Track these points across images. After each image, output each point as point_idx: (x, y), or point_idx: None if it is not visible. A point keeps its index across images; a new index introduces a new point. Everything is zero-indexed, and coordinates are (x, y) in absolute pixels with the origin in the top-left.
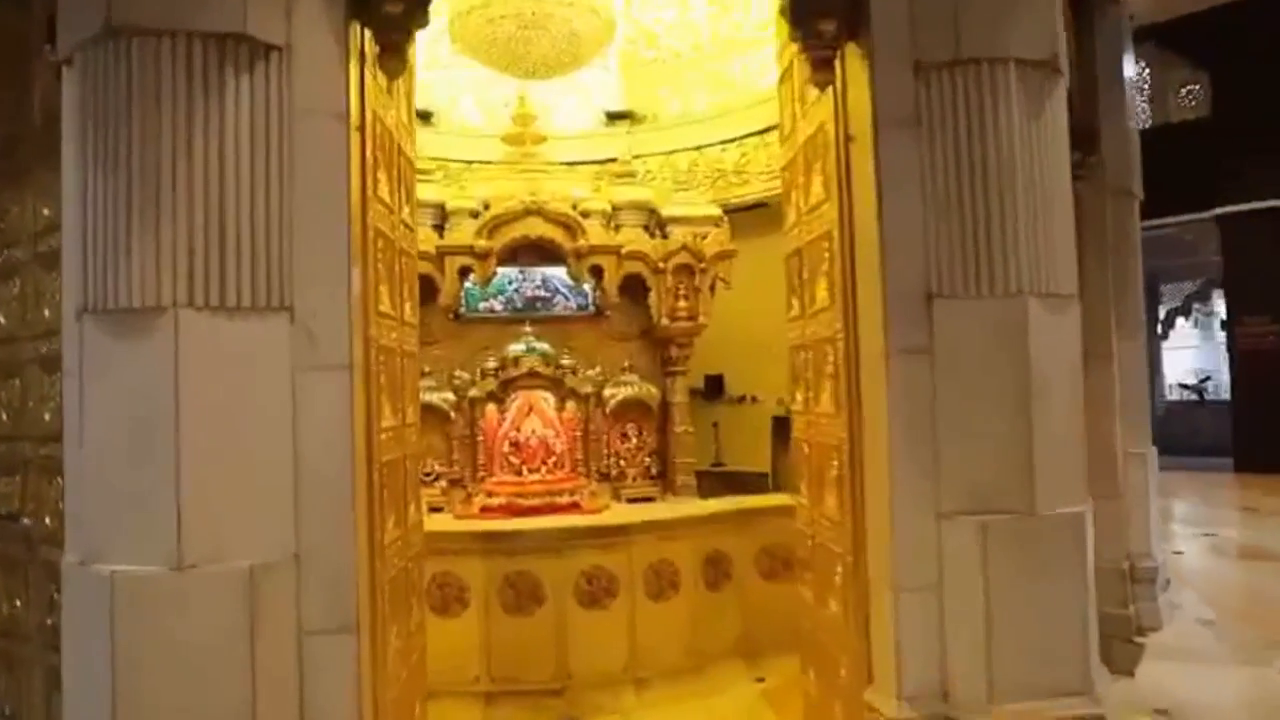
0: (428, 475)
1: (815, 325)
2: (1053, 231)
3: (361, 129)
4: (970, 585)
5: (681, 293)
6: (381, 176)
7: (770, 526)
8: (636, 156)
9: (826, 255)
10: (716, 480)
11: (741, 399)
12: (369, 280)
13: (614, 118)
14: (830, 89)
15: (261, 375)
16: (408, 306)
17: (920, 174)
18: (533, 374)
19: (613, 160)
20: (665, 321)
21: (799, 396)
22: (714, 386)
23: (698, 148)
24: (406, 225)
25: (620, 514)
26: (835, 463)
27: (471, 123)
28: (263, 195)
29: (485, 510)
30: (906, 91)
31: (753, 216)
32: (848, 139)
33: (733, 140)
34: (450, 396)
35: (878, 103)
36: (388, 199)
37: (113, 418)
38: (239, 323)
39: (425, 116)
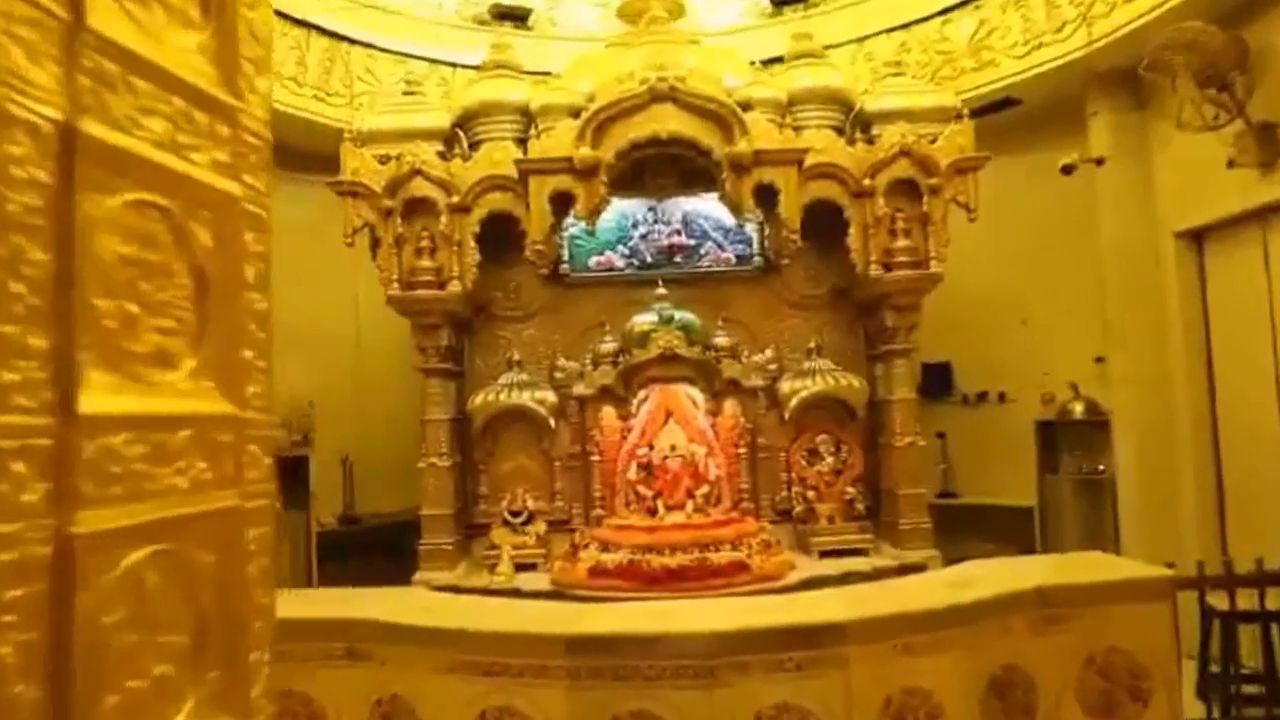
0: (516, 515)
1: None
2: None
3: None
4: None
5: (900, 224)
6: None
7: (1103, 622)
8: None
9: None
10: (949, 519)
11: (981, 397)
12: None
13: (780, 3)
14: None
15: None
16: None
17: None
18: (670, 358)
19: (780, 60)
20: (874, 270)
21: None
22: (936, 380)
23: (905, 26)
24: None
25: (824, 603)
26: None
27: (583, 25)
28: None
29: (596, 574)
30: None
31: (998, 123)
32: None
33: (963, 4)
34: (549, 397)
35: None
36: None
37: None
38: None
39: (521, 18)
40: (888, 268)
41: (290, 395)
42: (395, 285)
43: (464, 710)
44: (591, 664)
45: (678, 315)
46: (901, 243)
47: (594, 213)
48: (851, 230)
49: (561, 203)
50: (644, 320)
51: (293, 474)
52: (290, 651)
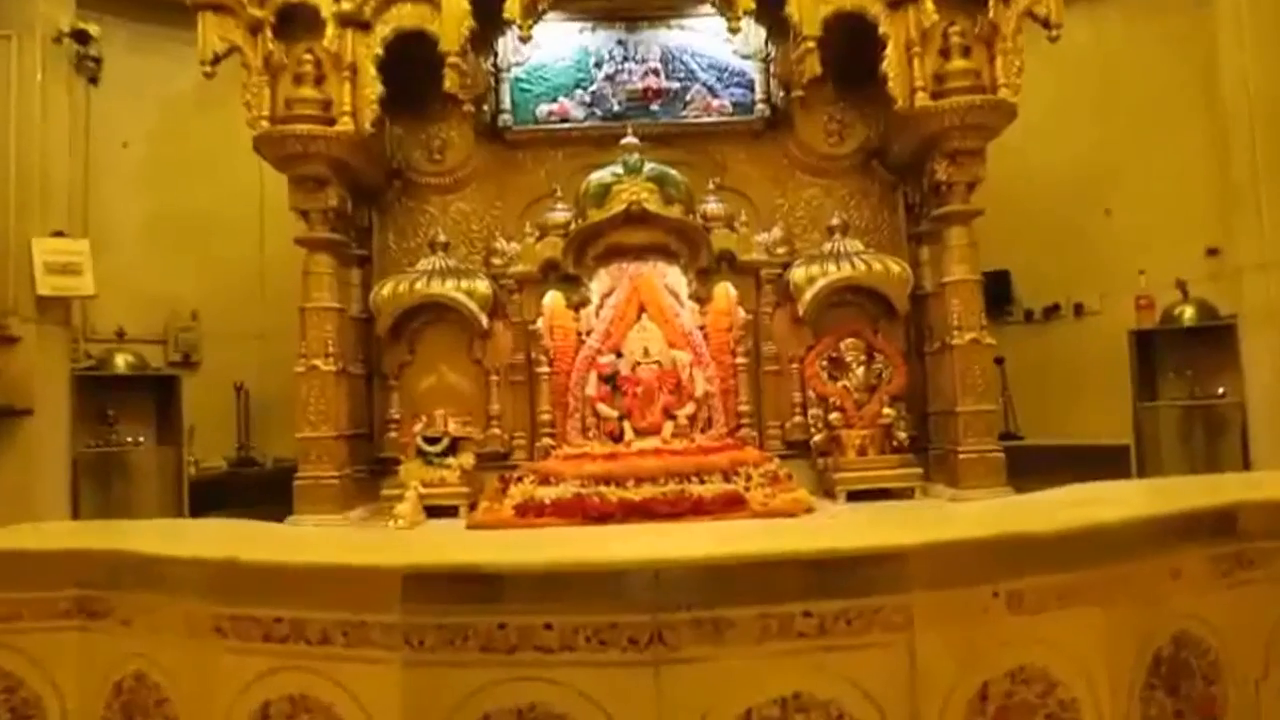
0: (432, 442)
1: None
2: None
3: None
4: None
5: (955, 39)
6: None
7: None
8: None
9: None
10: (1013, 466)
11: (1050, 312)
12: None
13: None
14: None
15: None
16: None
17: None
18: (638, 217)
19: None
20: (921, 100)
21: None
22: (992, 293)
23: None
24: None
25: (867, 524)
26: None
27: None
28: None
29: (525, 512)
30: None
31: None
32: None
33: None
34: (480, 287)
35: None
36: None
37: None
38: None
39: None
40: (939, 93)
41: (168, 303)
42: (265, 122)
43: (236, 700)
44: (446, 620)
45: (649, 166)
46: (958, 63)
47: (528, 11)
48: (889, 50)
49: (486, 2)
50: (604, 174)
51: (161, 400)
52: None
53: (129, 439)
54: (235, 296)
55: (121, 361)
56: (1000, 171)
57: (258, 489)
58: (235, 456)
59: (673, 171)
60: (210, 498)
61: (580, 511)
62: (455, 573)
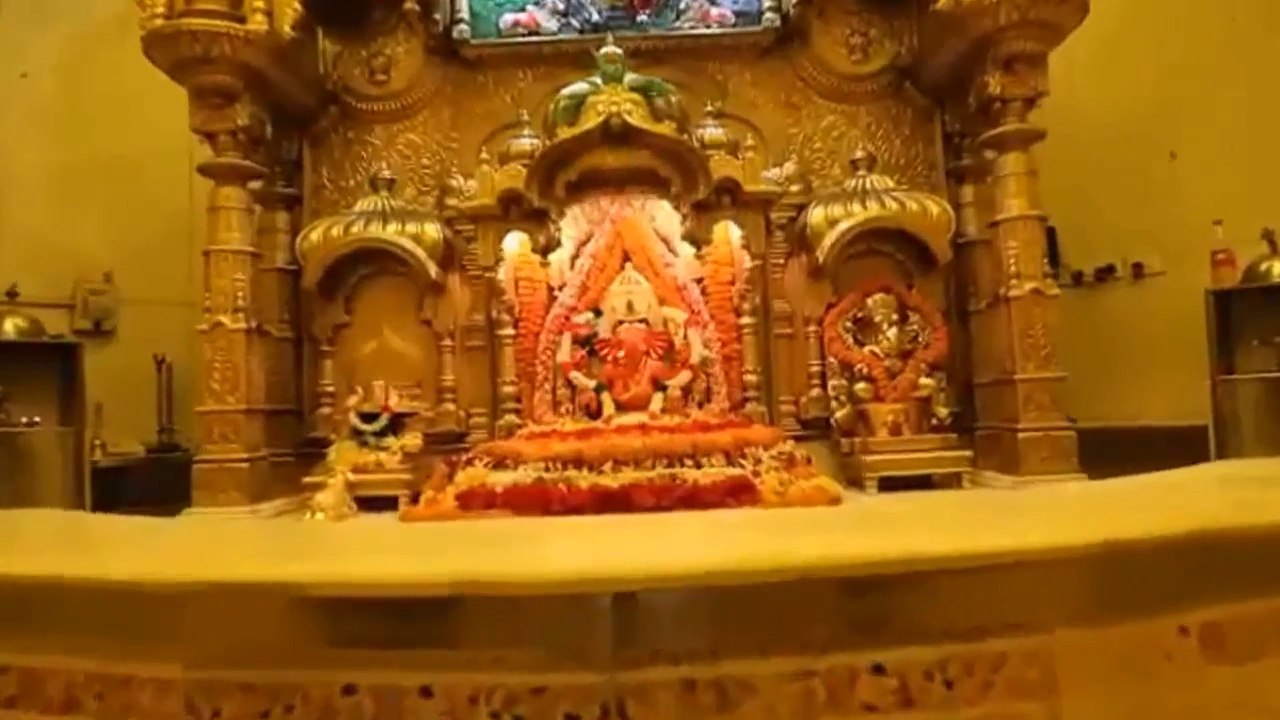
0: (369, 419)
1: None
2: None
3: None
4: None
5: None
6: None
7: None
8: None
9: None
10: None
11: (1104, 274)
12: None
13: None
14: None
15: None
16: None
17: None
18: (618, 134)
19: None
20: None
21: None
22: None
23: None
24: None
25: (933, 523)
26: None
27: None
28: None
29: (470, 502)
30: None
31: None
32: None
33: None
34: (430, 232)
35: None
36: None
37: None
38: None
39: None
40: None
41: (76, 261)
42: (160, 20)
43: None
44: (258, 679)
45: (632, 77)
46: None
47: None
48: None
49: None
50: (582, 86)
51: (66, 374)
52: None
53: (23, 419)
54: (158, 257)
55: (10, 326)
56: (1042, 111)
57: (179, 478)
58: (155, 441)
59: (661, 82)
60: (121, 488)
61: (540, 502)
62: (275, 592)
